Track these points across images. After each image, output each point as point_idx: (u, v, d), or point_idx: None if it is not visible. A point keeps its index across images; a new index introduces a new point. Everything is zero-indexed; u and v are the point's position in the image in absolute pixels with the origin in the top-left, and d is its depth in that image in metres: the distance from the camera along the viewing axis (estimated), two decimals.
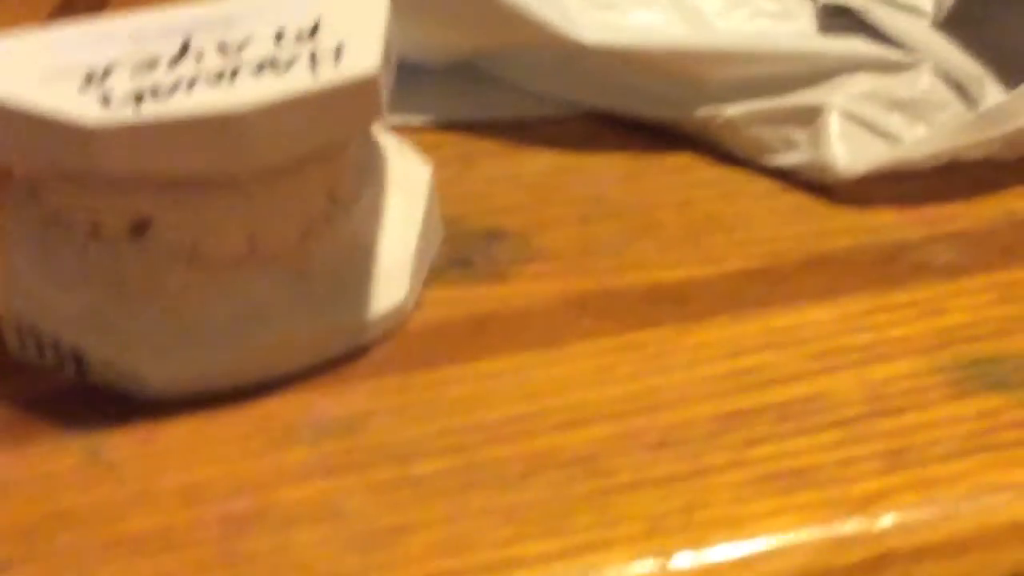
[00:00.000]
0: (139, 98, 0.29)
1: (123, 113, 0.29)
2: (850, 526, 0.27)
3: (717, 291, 0.34)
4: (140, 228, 0.31)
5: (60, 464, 0.30)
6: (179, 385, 0.31)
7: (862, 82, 0.39)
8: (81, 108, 0.29)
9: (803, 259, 0.35)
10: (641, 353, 0.32)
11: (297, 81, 0.30)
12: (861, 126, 0.39)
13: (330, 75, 0.30)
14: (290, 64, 0.30)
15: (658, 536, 0.26)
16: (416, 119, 0.42)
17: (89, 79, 0.30)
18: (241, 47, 0.31)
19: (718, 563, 0.26)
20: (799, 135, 0.39)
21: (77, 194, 0.31)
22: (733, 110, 0.39)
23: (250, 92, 0.29)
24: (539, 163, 0.40)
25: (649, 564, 0.26)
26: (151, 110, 0.29)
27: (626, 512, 0.27)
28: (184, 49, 0.31)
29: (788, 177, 0.38)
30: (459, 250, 0.36)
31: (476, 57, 0.45)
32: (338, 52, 0.31)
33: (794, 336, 0.32)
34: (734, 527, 0.27)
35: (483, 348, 0.32)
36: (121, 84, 0.30)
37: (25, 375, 0.32)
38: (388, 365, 0.32)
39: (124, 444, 0.30)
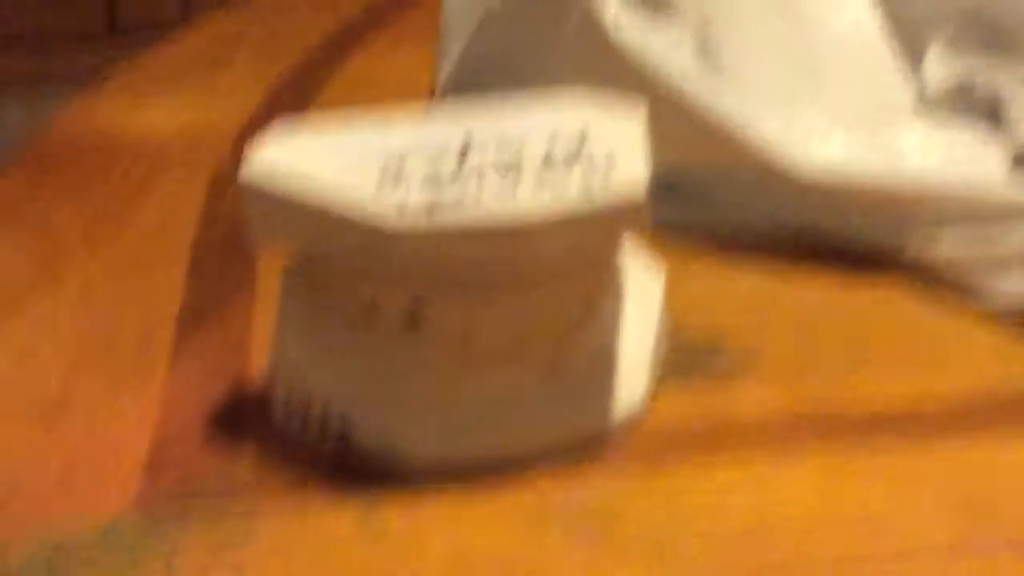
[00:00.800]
0: (431, 207, 0.32)
1: (419, 219, 0.31)
2: None
3: (941, 417, 0.36)
4: (415, 317, 0.34)
5: (336, 529, 0.32)
6: (437, 462, 0.34)
7: None
8: (381, 212, 0.32)
9: None
10: (870, 473, 0.34)
11: (575, 199, 0.32)
12: None
13: (604, 193, 0.32)
14: (566, 180, 0.33)
15: None
16: None
17: (384, 176, 0.33)
18: (516, 160, 0.34)
19: None
20: (1016, 271, 0.40)
21: (355, 282, 0.34)
22: (943, 245, 0.41)
23: (533, 206, 0.32)
24: (751, 279, 0.43)
25: None
26: (445, 217, 0.31)
27: None
28: (465, 152, 0.34)
29: (1003, 310, 0.40)
30: (684, 359, 0.38)
31: (680, 175, 0.47)
32: (607, 170, 0.33)
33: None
34: None
35: (716, 453, 0.34)
36: (413, 188, 0.33)
37: (293, 444, 0.35)
38: (629, 459, 0.34)
39: (392, 511, 0.32)
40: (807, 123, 0.48)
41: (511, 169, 0.33)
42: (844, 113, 0.52)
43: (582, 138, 0.35)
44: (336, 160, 0.34)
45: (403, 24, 0.72)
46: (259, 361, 0.39)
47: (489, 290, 0.33)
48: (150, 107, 0.60)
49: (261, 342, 0.40)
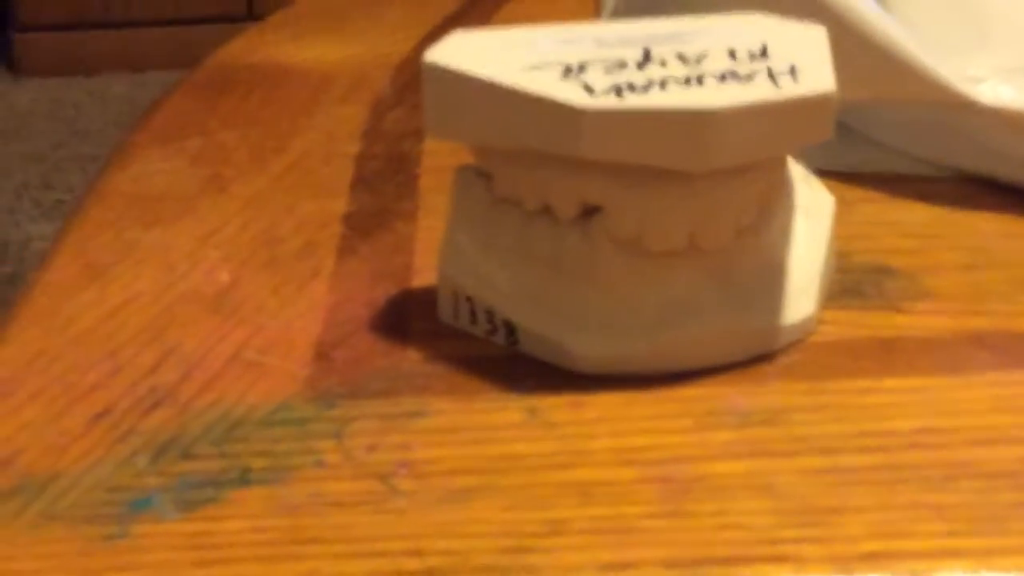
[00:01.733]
0: (619, 91, 0.32)
1: (609, 100, 0.31)
2: None
3: None
4: (589, 213, 0.34)
5: (503, 418, 0.32)
6: (606, 364, 0.33)
7: None
8: (569, 94, 0.32)
9: None
10: None
11: (763, 90, 0.32)
12: None
13: (792, 88, 0.32)
14: (751, 77, 0.33)
15: None
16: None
17: (567, 72, 0.33)
18: (699, 59, 0.34)
19: None
20: None
21: (532, 176, 0.34)
22: None
23: (720, 95, 0.32)
24: (917, 214, 0.42)
25: None
26: (633, 101, 0.31)
27: None
28: (647, 55, 0.34)
29: None
30: (852, 282, 0.38)
31: (845, 114, 0.47)
32: (793, 72, 0.33)
33: None
34: None
35: (887, 367, 0.34)
36: (598, 79, 0.33)
37: (459, 338, 0.35)
38: (798, 371, 0.34)
39: (558, 407, 0.32)
40: (975, 72, 0.47)
41: (692, 80, 0.33)
42: (1011, 64, 0.51)
43: (764, 51, 0.34)
44: (519, 55, 0.34)
45: None
46: (424, 263, 0.39)
47: (665, 185, 0.33)
48: (312, 42, 0.61)
49: (425, 246, 0.40)
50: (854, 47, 0.43)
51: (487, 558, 0.28)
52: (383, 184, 0.45)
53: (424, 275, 0.38)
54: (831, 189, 0.41)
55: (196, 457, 0.31)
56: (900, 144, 0.46)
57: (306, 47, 0.60)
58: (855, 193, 0.44)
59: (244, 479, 0.30)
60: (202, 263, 0.40)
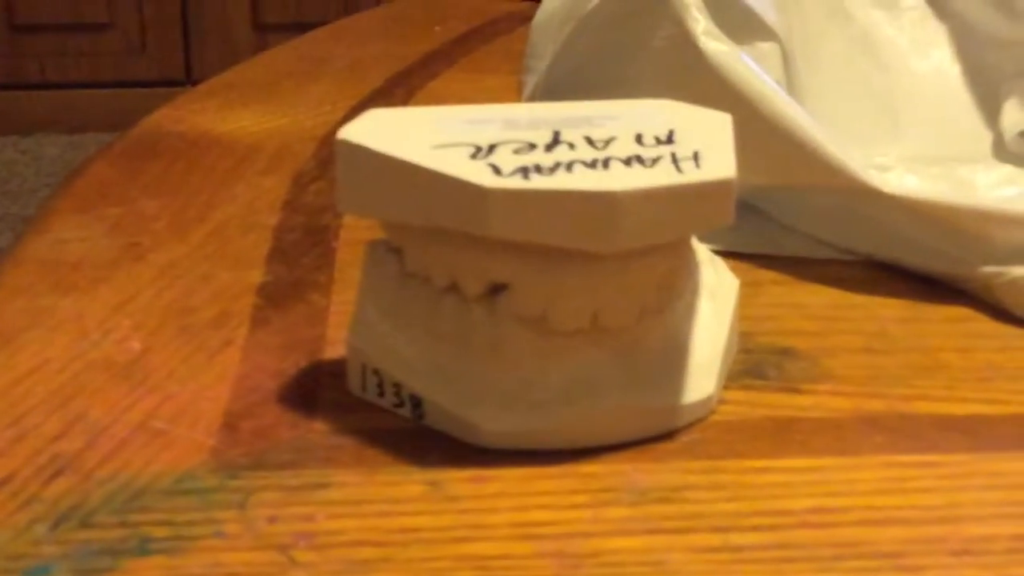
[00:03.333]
0: (525, 172, 0.33)
1: (515, 181, 0.32)
2: None
3: (1006, 430, 0.36)
4: (496, 291, 0.34)
5: (405, 491, 0.32)
6: (509, 439, 0.34)
7: None
8: (476, 174, 0.32)
9: None
10: (936, 471, 0.34)
11: (666, 175, 0.33)
12: None
13: (694, 174, 0.33)
14: (655, 161, 0.34)
15: None
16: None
17: (476, 152, 0.34)
18: (607, 143, 0.35)
19: None
20: None
21: (440, 253, 0.35)
22: (1018, 271, 0.42)
23: (624, 178, 0.33)
24: (822, 296, 0.43)
25: None
26: (539, 182, 0.32)
27: None
28: (556, 138, 0.35)
29: None
30: (754, 362, 0.39)
31: (756, 197, 0.48)
32: (696, 157, 0.34)
33: None
34: None
35: (783, 448, 0.35)
36: (506, 160, 0.33)
37: (366, 410, 0.36)
38: (696, 449, 0.35)
39: (460, 480, 0.33)
40: (883, 161, 0.49)
41: (598, 163, 0.34)
42: (918, 153, 0.52)
43: (670, 137, 0.35)
44: (430, 134, 0.35)
45: (487, 52, 0.74)
46: (337, 335, 0.39)
47: (571, 265, 0.33)
48: (239, 112, 0.62)
49: (338, 319, 0.40)
50: (765, 134, 0.45)
51: None
52: (300, 256, 0.46)
53: (336, 347, 0.39)
54: (740, 271, 0.42)
55: (96, 526, 0.31)
56: (809, 228, 0.47)
57: (233, 117, 0.60)
58: (763, 275, 0.45)
59: (143, 549, 0.30)
60: (114, 331, 0.40)
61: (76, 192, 0.51)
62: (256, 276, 0.44)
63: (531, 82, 0.54)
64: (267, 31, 2.40)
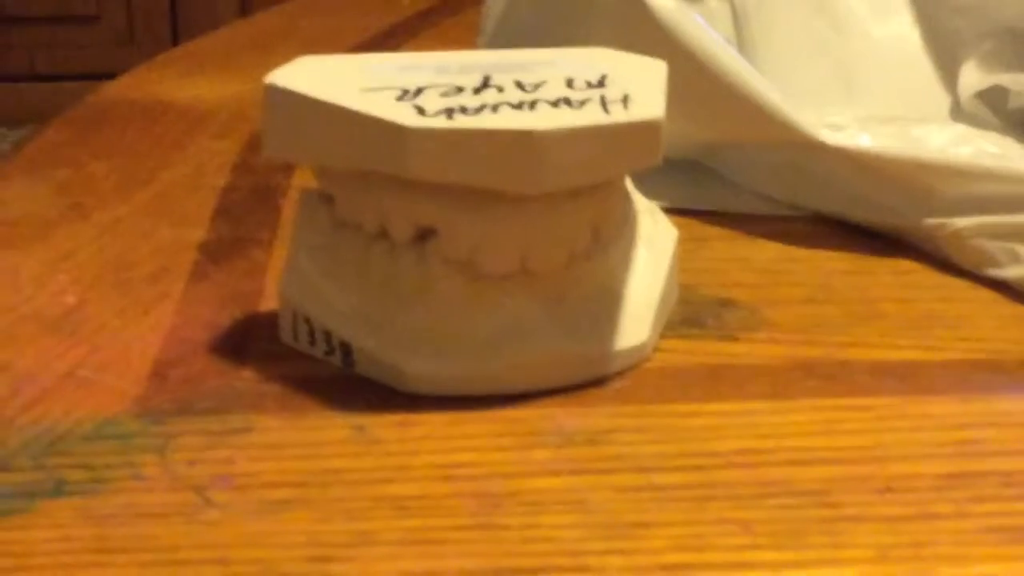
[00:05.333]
0: (450, 112, 0.32)
1: (437, 121, 0.32)
2: None
3: (940, 375, 0.36)
4: (424, 235, 0.34)
5: (329, 435, 0.32)
6: (437, 385, 0.34)
7: None
8: (400, 115, 0.32)
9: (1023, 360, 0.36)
10: (867, 414, 0.34)
11: (591, 115, 0.33)
12: None
13: (620, 115, 0.33)
14: (583, 103, 0.33)
15: (887, 563, 0.28)
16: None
17: (403, 95, 0.33)
18: (536, 86, 0.34)
19: None
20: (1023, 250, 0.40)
21: (369, 199, 0.34)
22: (961, 222, 0.41)
23: (550, 118, 0.32)
24: (766, 251, 0.43)
25: None
26: (462, 121, 0.32)
27: (855, 540, 0.29)
28: (485, 82, 0.35)
29: (1010, 289, 0.40)
30: (692, 312, 0.39)
31: (704, 155, 0.48)
32: (625, 100, 0.34)
33: (1018, 419, 0.33)
34: (961, 566, 0.28)
35: (715, 393, 0.34)
36: (431, 101, 0.33)
37: (296, 359, 0.35)
38: (627, 394, 0.34)
39: (385, 425, 0.33)
40: (836, 120, 0.48)
41: (524, 105, 0.33)
42: (871, 113, 0.52)
43: (601, 81, 0.35)
44: (359, 79, 0.34)
45: (451, 24, 0.73)
46: (274, 290, 0.39)
47: (497, 207, 0.33)
48: (197, 80, 0.61)
49: (278, 274, 0.40)
50: (713, 90, 0.44)
51: (292, 567, 0.28)
52: (245, 215, 0.45)
53: (272, 300, 0.39)
54: (687, 226, 0.42)
55: (12, 470, 0.31)
56: (755, 185, 0.47)
57: (189, 85, 0.60)
58: (710, 231, 0.44)
59: (58, 491, 0.30)
60: (49, 285, 0.40)
61: (26, 155, 0.51)
62: (199, 234, 0.44)
63: (481, 43, 0.53)
64: None
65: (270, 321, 0.37)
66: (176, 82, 0.61)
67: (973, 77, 0.54)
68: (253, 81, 0.61)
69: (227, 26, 0.75)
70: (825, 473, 0.31)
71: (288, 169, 0.49)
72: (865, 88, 0.55)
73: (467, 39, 0.68)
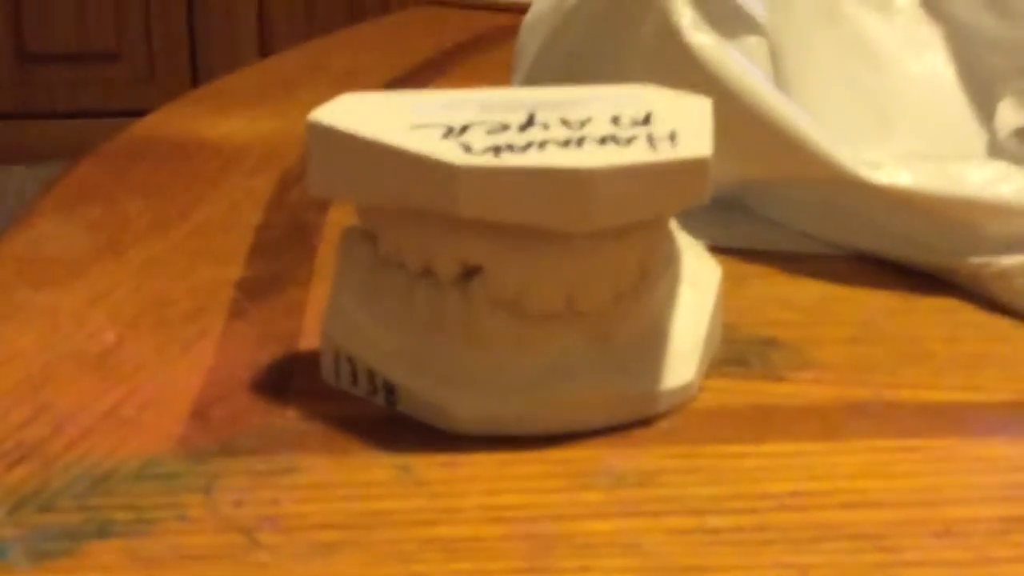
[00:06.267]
0: (497, 150, 0.32)
1: (485, 159, 0.32)
2: None
3: (990, 417, 0.35)
4: (469, 274, 0.34)
5: (374, 475, 0.32)
6: (482, 425, 0.33)
7: None
8: (448, 153, 0.32)
9: None
10: (919, 456, 0.33)
11: (639, 153, 0.32)
12: None
13: (668, 152, 0.32)
14: (630, 141, 0.33)
15: None
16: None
17: (448, 132, 0.33)
18: (582, 124, 0.34)
19: None
20: None
21: (414, 237, 0.34)
22: (1007, 261, 0.41)
23: (598, 156, 0.32)
24: (808, 290, 0.43)
25: None
26: (510, 159, 0.32)
27: None
28: (530, 119, 0.34)
29: None
30: (736, 351, 0.38)
31: (742, 192, 0.47)
32: (672, 137, 0.33)
33: None
34: None
35: (765, 434, 0.34)
36: (478, 139, 0.33)
37: (338, 399, 0.35)
38: (675, 435, 0.34)
39: (431, 465, 0.32)
40: (873, 158, 0.48)
41: (572, 142, 0.33)
42: (910, 150, 0.52)
43: (647, 119, 0.35)
44: (403, 116, 0.34)
45: (480, 62, 0.73)
46: (314, 328, 0.39)
47: (544, 246, 0.33)
48: (229, 117, 0.61)
49: (316, 312, 0.40)
50: (752, 127, 0.44)
51: None
52: (281, 252, 0.45)
53: (312, 339, 0.38)
54: (727, 265, 0.41)
55: (56, 510, 0.30)
56: (795, 223, 0.46)
57: (220, 122, 0.60)
58: (750, 269, 0.44)
59: (103, 532, 0.29)
60: (88, 324, 0.39)
61: (59, 192, 0.51)
62: (235, 272, 0.43)
63: (517, 81, 0.53)
64: None
65: (311, 360, 0.37)
66: (207, 119, 0.61)
67: (1010, 114, 0.54)
68: (283, 118, 0.61)
69: (253, 64, 0.75)
70: (881, 516, 0.30)
71: (323, 206, 0.49)
72: (901, 125, 0.54)
73: (496, 76, 0.68)
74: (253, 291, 0.42)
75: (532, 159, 0.32)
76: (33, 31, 2.40)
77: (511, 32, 0.79)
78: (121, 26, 2.40)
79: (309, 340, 0.38)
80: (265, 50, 2.44)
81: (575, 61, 0.49)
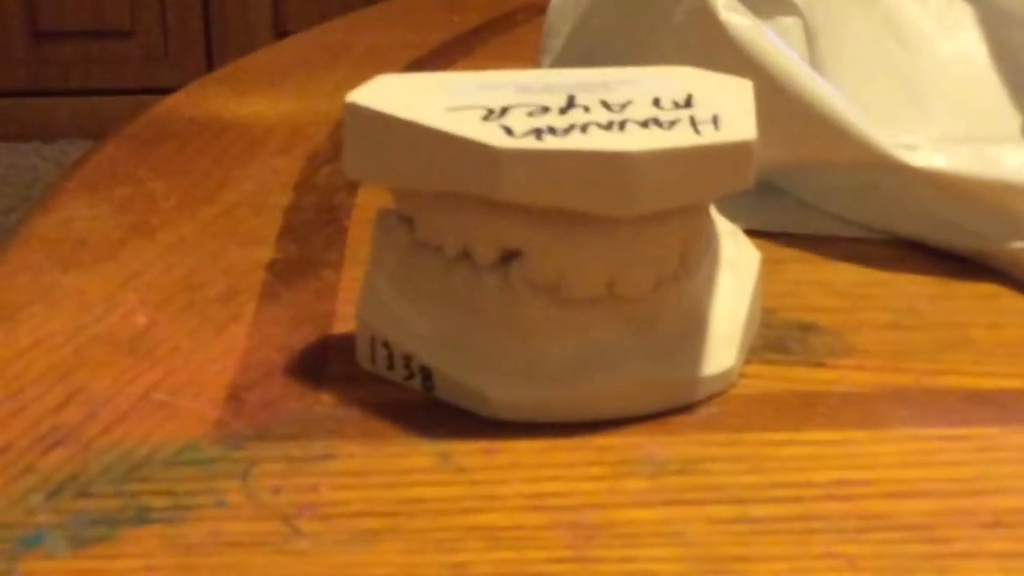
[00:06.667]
0: (538, 133, 0.32)
1: (527, 142, 0.31)
2: None
3: None
4: (508, 258, 0.33)
5: (413, 462, 0.31)
6: (520, 411, 0.33)
7: None
8: (487, 135, 0.31)
9: None
10: (965, 444, 0.33)
11: (683, 137, 0.32)
12: None
13: (713, 136, 0.32)
14: (673, 124, 0.33)
15: None
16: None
17: (488, 115, 0.33)
18: (623, 106, 0.34)
19: None
20: None
21: (452, 220, 0.33)
22: None
23: (642, 139, 0.31)
24: (846, 274, 0.42)
25: None
26: (552, 143, 0.31)
27: None
28: (571, 102, 0.34)
29: None
30: (776, 337, 0.38)
31: (778, 175, 0.47)
32: (715, 120, 0.33)
33: None
34: None
35: (806, 421, 0.34)
36: (518, 122, 0.32)
37: (374, 383, 0.35)
38: (716, 422, 0.33)
39: (471, 453, 0.32)
40: (909, 140, 0.47)
41: (614, 125, 0.33)
42: (945, 133, 0.51)
43: (688, 101, 0.34)
44: (441, 98, 0.34)
45: (505, 41, 0.72)
46: (347, 310, 0.38)
47: (585, 230, 0.32)
48: (253, 97, 0.61)
49: (349, 295, 0.39)
50: (789, 108, 0.43)
51: None
52: (311, 234, 0.45)
53: (346, 322, 0.38)
54: (763, 248, 0.41)
55: (93, 495, 0.30)
56: (832, 206, 0.46)
57: (247, 102, 0.60)
58: (786, 253, 0.44)
59: (141, 518, 0.29)
60: (119, 306, 0.39)
61: (85, 173, 0.50)
62: (266, 253, 0.43)
63: (546, 62, 0.52)
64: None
65: (345, 343, 0.36)
66: (231, 99, 0.60)
67: None
68: (306, 99, 0.60)
69: (272, 44, 0.74)
70: (928, 506, 0.30)
71: (352, 187, 0.48)
72: (936, 107, 0.54)
73: (522, 56, 0.67)
74: (284, 273, 0.41)
75: (575, 142, 0.31)
76: (47, 8, 2.40)
77: (534, 11, 0.79)
78: (135, 4, 2.40)
79: (342, 324, 0.38)
80: (279, 28, 2.43)
81: (607, 42, 0.48)
